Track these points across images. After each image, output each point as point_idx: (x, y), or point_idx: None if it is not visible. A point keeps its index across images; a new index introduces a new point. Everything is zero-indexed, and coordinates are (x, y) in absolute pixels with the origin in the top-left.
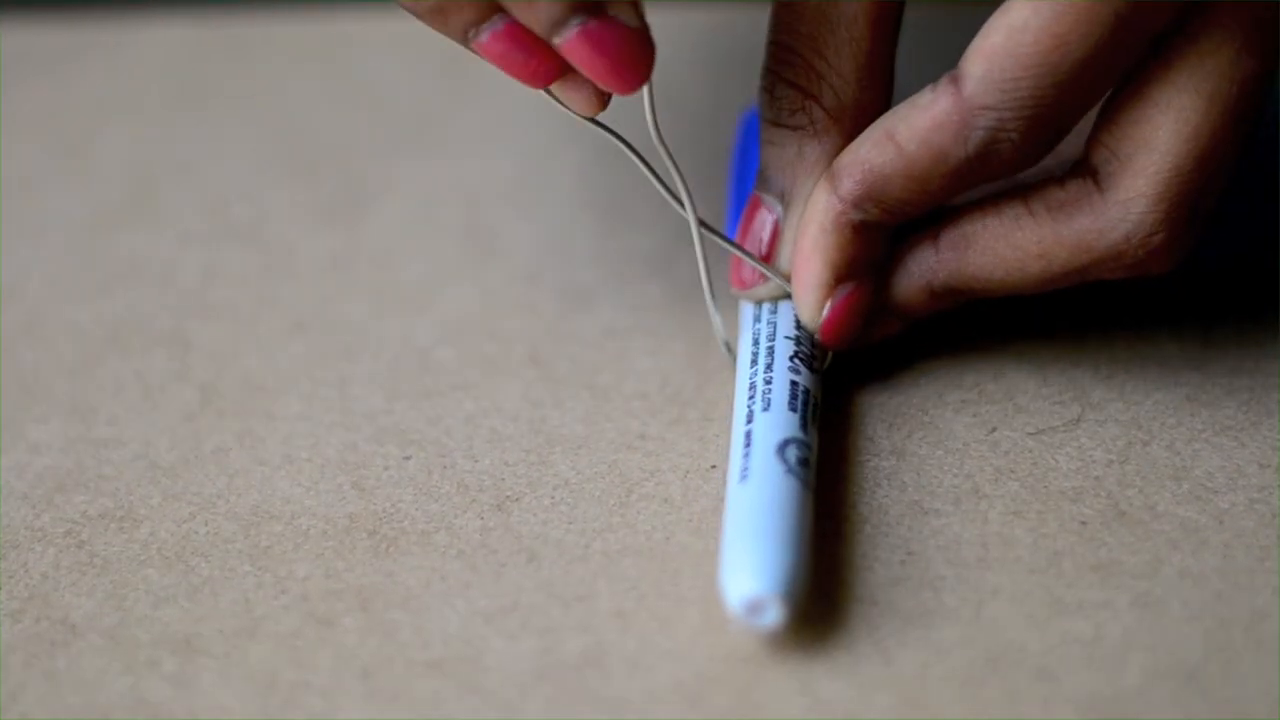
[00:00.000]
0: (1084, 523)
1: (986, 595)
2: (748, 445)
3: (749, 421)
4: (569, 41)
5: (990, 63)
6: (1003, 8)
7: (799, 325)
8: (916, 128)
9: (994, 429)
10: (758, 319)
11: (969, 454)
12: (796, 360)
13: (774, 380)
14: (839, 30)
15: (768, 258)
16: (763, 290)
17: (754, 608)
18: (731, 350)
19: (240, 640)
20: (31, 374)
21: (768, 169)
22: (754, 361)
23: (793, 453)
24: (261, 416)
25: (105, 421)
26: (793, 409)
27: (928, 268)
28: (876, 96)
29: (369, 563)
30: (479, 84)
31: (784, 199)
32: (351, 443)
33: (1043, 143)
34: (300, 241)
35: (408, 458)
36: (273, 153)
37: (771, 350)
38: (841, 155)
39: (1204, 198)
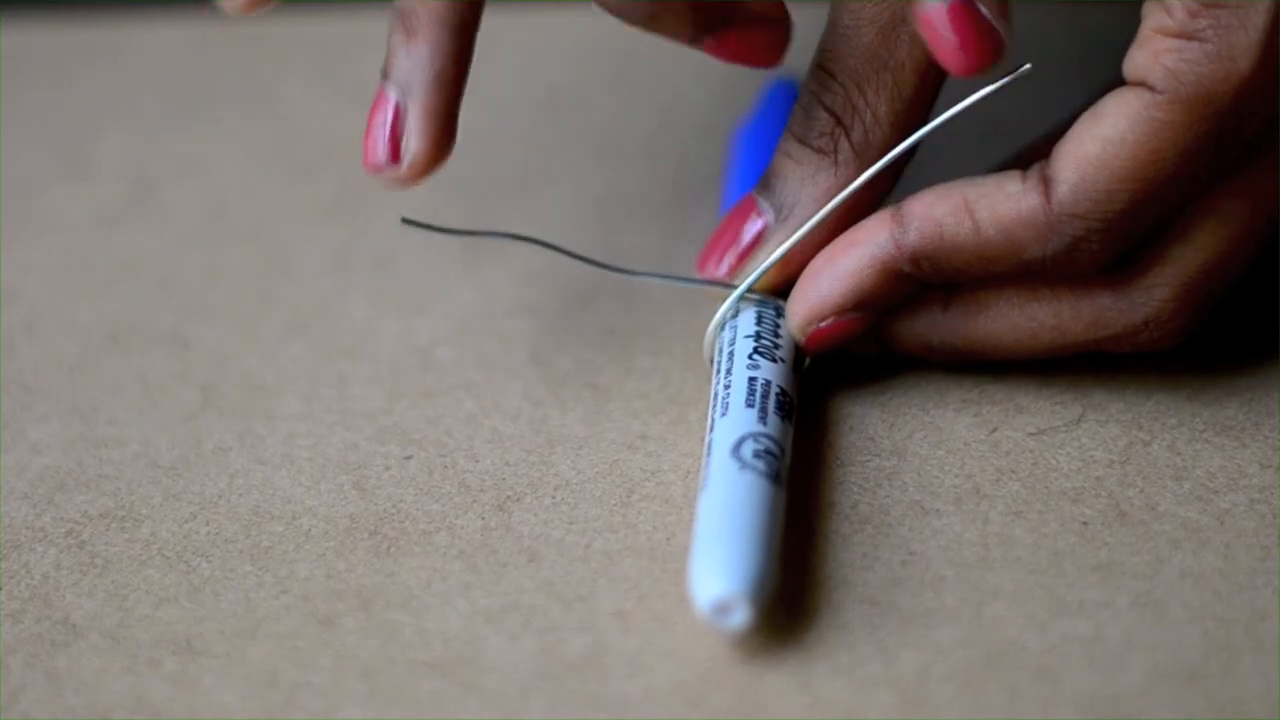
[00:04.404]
0: (1085, 523)
1: (987, 595)
2: (708, 455)
3: (711, 431)
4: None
5: (1083, 173)
6: (1095, 113)
7: (759, 321)
8: (1000, 215)
9: (995, 429)
10: (722, 327)
11: (970, 454)
12: (756, 355)
13: (732, 383)
14: (884, 74)
15: (743, 257)
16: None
17: (720, 609)
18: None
19: (241, 640)
20: (32, 374)
21: (775, 178)
22: (717, 371)
23: (748, 448)
24: (262, 416)
25: (106, 421)
26: (750, 405)
27: (931, 325)
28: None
29: (370, 563)
30: (479, 83)
31: (780, 213)
32: (352, 442)
33: (1119, 251)
34: (300, 241)
35: (409, 457)
36: (273, 153)
37: (732, 355)
38: (914, 203)
39: (1221, 290)
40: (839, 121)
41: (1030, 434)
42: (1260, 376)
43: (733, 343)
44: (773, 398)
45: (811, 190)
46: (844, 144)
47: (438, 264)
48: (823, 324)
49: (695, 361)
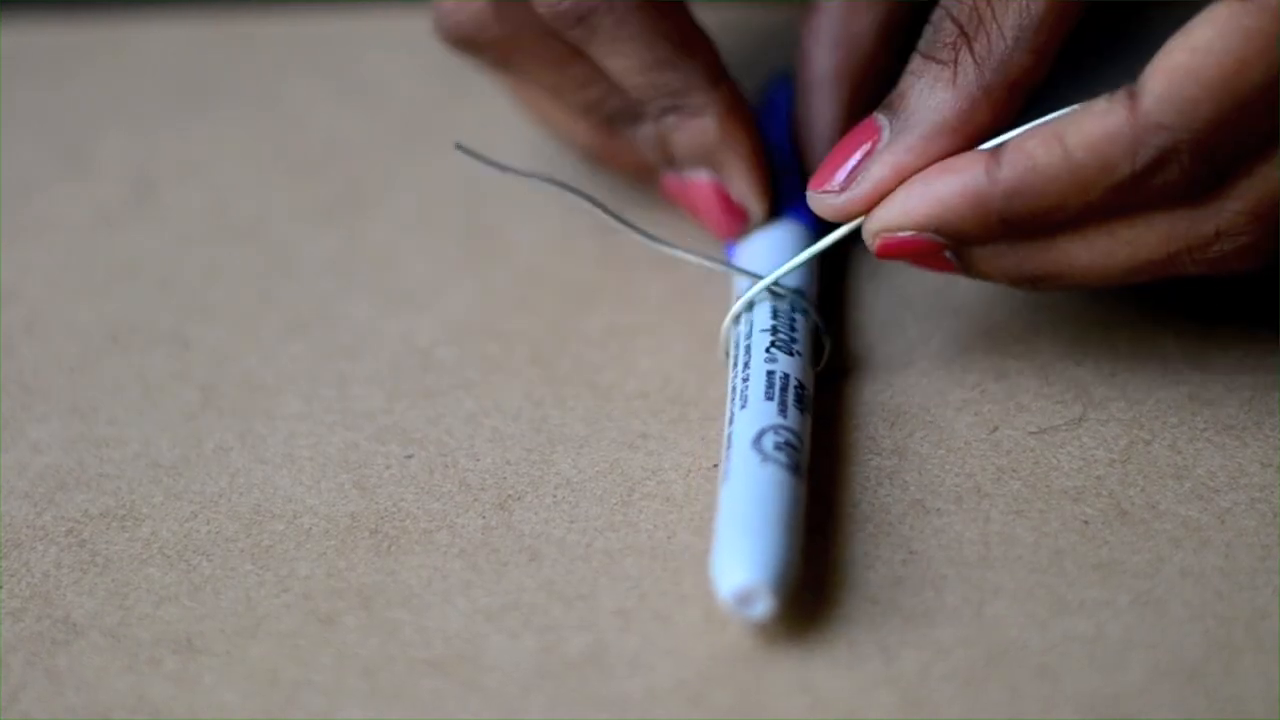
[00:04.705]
0: (1086, 522)
1: (988, 594)
2: (729, 447)
3: (730, 424)
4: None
5: (1170, 81)
6: (1185, 28)
7: (774, 315)
8: (1086, 134)
9: (996, 428)
10: (737, 321)
11: (971, 453)
12: (773, 349)
13: (750, 376)
14: None
15: (855, 173)
16: (840, 200)
17: (744, 599)
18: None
19: (242, 639)
20: (32, 374)
21: (895, 93)
22: (734, 364)
23: (769, 440)
24: (262, 416)
25: (106, 421)
26: (769, 398)
27: (1010, 250)
28: (1030, 65)
29: (370, 561)
30: (479, 84)
31: (893, 126)
32: (353, 442)
33: (1209, 174)
34: (300, 241)
35: (409, 456)
36: (273, 153)
37: (749, 348)
38: (1009, 141)
39: None
40: (963, 31)
41: (1031, 433)
42: (1260, 376)
43: (748, 336)
44: (791, 390)
45: (929, 101)
46: (965, 55)
47: (438, 264)
48: (898, 234)
49: (695, 361)
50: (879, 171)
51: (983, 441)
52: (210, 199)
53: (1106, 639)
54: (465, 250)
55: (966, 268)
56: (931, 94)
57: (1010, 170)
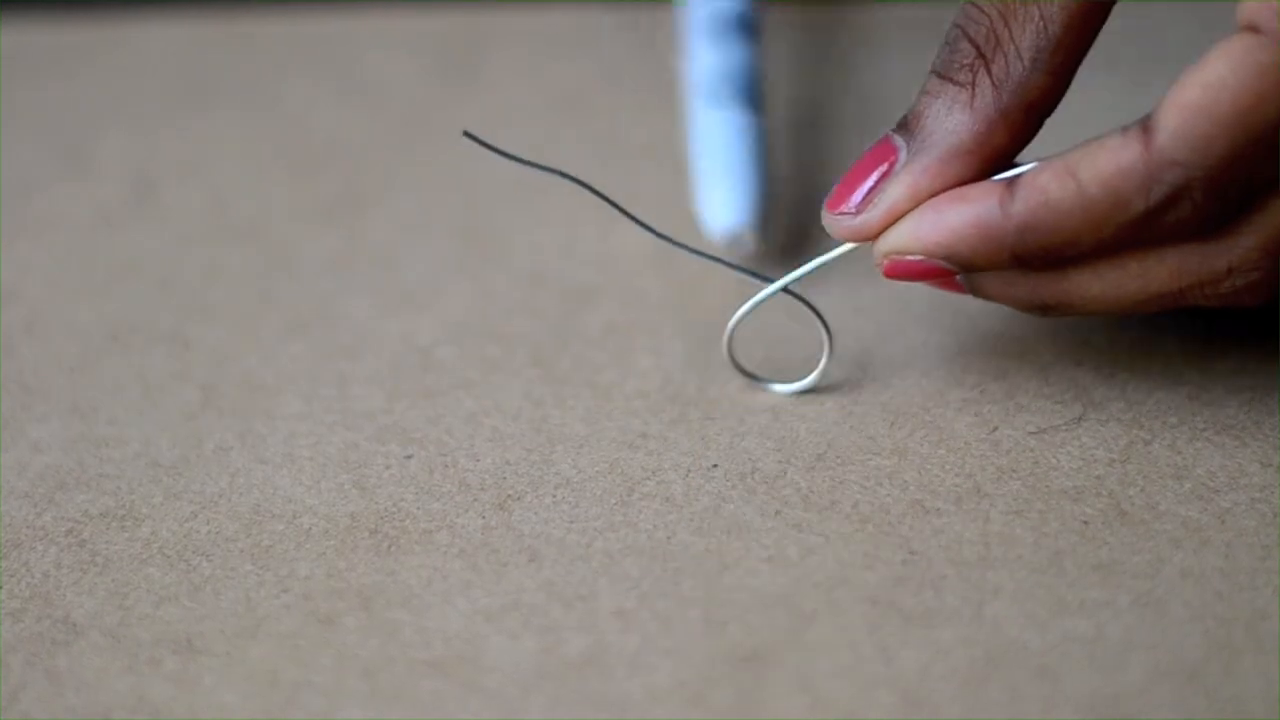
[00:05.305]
0: (1085, 522)
1: (988, 594)
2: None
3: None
4: None
5: (1184, 117)
6: (1199, 62)
7: None
8: (1100, 170)
9: (995, 428)
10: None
11: (970, 453)
12: None
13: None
14: (1032, 7)
15: (872, 193)
16: (856, 222)
17: (732, 240)
18: (735, 361)
19: (242, 639)
20: (32, 373)
21: (911, 114)
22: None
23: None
24: (262, 416)
25: (106, 421)
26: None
27: (1019, 278)
28: (1048, 87)
29: (370, 562)
30: (479, 84)
31: (910, 147)
32: (353, 442)
33: (1222, 211)
34: (300, 241)
35: (409, 456)
36: (273, 152)
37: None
38: (1023, 175)
39: None
40: (980, 53)
41: (1031, 433)
42: (1260, 376)
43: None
44: (735, 25)
45: (946, 124)
46: (983, 76)
47: (438, 264)
48: (906, 258)
49: (695, 361)
50: (895, 193)
51: (982, 441)
52: (210, 199)
53: (1106, 639)
54: (465, 250)
55: (975, 291)
56: (949, 116)
57: (1023, 205)
